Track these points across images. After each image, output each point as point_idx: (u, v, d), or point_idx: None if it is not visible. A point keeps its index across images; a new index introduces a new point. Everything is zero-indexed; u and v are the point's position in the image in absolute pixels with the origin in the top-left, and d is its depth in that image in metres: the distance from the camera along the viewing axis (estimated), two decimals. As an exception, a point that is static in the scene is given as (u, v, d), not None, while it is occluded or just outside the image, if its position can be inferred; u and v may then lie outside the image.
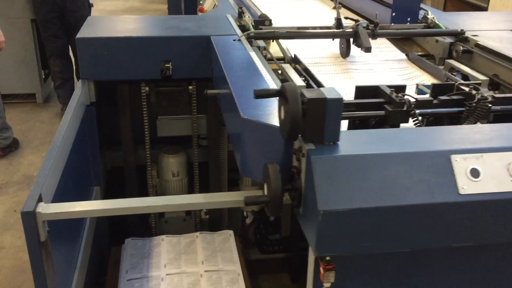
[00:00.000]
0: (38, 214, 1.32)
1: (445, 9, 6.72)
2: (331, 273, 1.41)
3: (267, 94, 1.31)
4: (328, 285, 1.43)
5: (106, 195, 2.60)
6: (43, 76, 5.36)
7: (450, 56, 2.28)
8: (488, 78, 1.99)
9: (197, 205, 1.41)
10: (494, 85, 2.04)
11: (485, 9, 5.87)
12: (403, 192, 1.22)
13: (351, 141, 1.30)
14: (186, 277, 2.27)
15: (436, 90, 1.68)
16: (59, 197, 1.56)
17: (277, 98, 1.31)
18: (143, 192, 2.70)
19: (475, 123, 1.55)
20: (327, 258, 1.41)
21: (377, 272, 1.50)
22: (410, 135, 1.36)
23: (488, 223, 1.26)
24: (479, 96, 1.57)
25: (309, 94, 1.24)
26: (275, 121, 1.39)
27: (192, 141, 2.65)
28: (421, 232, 1.25)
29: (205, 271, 2.31)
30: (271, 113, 1.46)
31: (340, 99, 1.24)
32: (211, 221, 2.85)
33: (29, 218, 1.31)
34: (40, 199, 1.36)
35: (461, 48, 2.23)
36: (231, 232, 2.60)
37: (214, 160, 2.69)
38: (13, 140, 4.35)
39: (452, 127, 1.46)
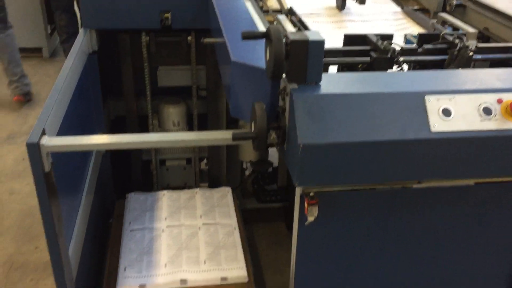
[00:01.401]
0: (42, 146, 1.43)
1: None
2: (314, 207, 1.52)
3: (253, 35, 1.38)
4: (311, 218, 1.54)
5: (109, 143, 2.71)
6: (49, 31, 5.42)
7: (444, 10, 2.32)
8: (477, 31, 2.04)
9: (189, 141, 1.51)
10: (484, 38, 2.09)
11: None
12: (378, 129, 1.31)
13: (332, 82, 1.38)
14: (185, 230, 2.42)
15: (422, 39, 1.75)
16: (62, 134, 1.67)
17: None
18: (144, 140, 2.81)
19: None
20: (311, 194, 1.51)
21: (358, 209, 1.61)
22: (388, 78, 1.44)
23: (458, 160, 1.35)
24: (461, 45, 1.64)
25: (292, 36, 1.32)
26: (262, 63, 1.47)
27: (191, 92, 2.74)
28: (395, 167, 1.35)
29: (203, 224, 2.46)
30: (259, 57, 1.53)
31: (322, 41, 1.31)
32: (210, 172, 2.97)
33: (33, 149, 1.42)
34: (44, 133, 1.47)
35: (455, 2, 2.27)
36: (229, 189, 2.74)
37: (213, 111, 2.78)
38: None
39: (428, 71, 1.54)
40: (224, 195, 2.71)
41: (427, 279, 1.77)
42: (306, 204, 1.51)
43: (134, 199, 2.62)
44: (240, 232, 2.44)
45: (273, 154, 3.30)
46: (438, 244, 1.70)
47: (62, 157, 1.67)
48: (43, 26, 5.25)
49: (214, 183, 2.98)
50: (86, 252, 2.07)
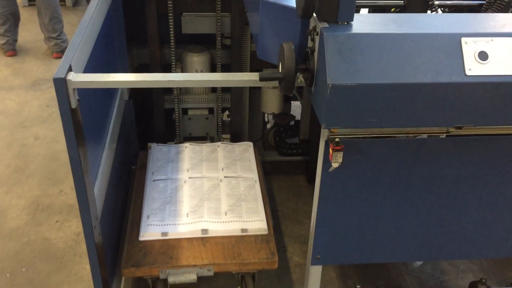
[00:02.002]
0: (68, 81, 1.43)
1: None
2: (339, 153, 1.50)
3: (285, -28, 1.34)
4: (336, 165, 1.53)
5: (131, 91, 2.71)
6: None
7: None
8: (518, -22, 1.94)
9: (215, 82, 1.49)
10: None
11: None
12: (411, 71, 1.27)
13: (364, 22, 1.34)
14: (207, 181, 2.43)
15: (459, -17, 1.67)
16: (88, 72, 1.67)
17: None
18: (167, 89, 2.80)
19: (494, 15, 1.55)
20: (337, 139, 1.50)
21: (382, 157, 1.59)
22: (422, 19, 1.39)
23: (492, 105, 1.31)
24: (501, -11, 1.56)
25: (326, -28, 1.27)
26: (292, 2, 1.43)
27: (215, 40, 2.70)
28: (425, 111, 1.32)
29: (224, 176, 2.46)
30: (289, -4, 1.49)
31: (356, -22, 1.26)
32: (232, 123, 2.96)
33: (60, 85, 1.42)
34: (70, 69, 1.47)
35: None
36: (250, 143, 2.74)
37: (236, 61, 2.74)
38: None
39: (466, 14, 1.48)
40: (246, 149, 2.71)
41: (447, 229, 1.76)
42: (331, 150, 1.50)
43: (157, 150, 2.64)
44: (261, 186, 2.44)
45: (295, 109, 3.28)
46: (463, 195, 1.68)
47: (88, 96, 1.68)
48: (66, -25, 5.20)
49: (235, 135, 2.98)
50: (110, 193, 2.10)
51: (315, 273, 1.88)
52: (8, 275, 2.40)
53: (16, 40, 4.52)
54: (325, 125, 1.34)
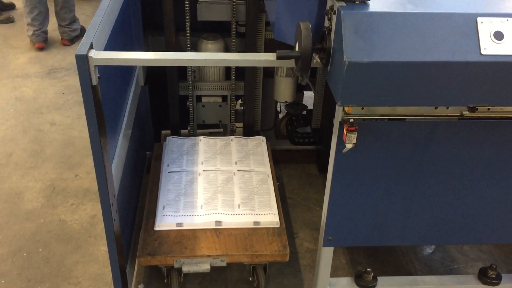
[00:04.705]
0: (90, 58, 1.47)
1: None
2: (353, 134, 1.53)
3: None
4: (350, 145, 1.55)
5: (147, 77, 2.75)
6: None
7: None
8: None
9: (232, 61, 1.52)
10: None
11: None
12: (426, 50, 1.29)
13: (381, 2, 1.36)
14: (220, 174, 2.48)
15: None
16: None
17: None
18: (182, 75, 2.84)
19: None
20: (351, 120, 1.52)
21: (396, 139, 1.61)
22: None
23: (506, 85, 1.33)
24: (517, -27, 1.57)
25: (344, -49, 1.29)
26: (310, -18, 1.45)
27: (230, 28, 2.72)
28: (440, 89, 1.34)
29: (238, 170, 2.52)
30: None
31: (374, -43, 1.28)
32: (245, 112, 2.99)
33: (82, 61, 1.46)
34: (91, 47, 1.51)
35: None
36: (263, 138, 2.80)
37: (251, 48, 2.76)
38: (81, 29, 4.60)
39: (483, -5, 1.49)
40: (259, 144, 2.76)
41: (459, 213, 1.78)
42: (345, 131, 1.52)
43: (172, 142, 2.70)
44: (273, 180, 2.49)
45: (307, 100, 3.30)
46: (476, 179, 1.70)
47: (107, 77, 1.72)
48: (81, -35, 5.26)
49: (248, 123, 3.01)
50: (126, 175, 2.14)
51: (327, 255, 1.91)
52: (25, 254, 2.45)
53: (45, 32, 4.45)
54: (340, 102, 1.36)
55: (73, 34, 4.54)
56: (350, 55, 1.28)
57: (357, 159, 1.65)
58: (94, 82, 1.51)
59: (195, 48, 2.82)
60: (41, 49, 4.41)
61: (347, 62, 1.27)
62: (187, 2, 2.59)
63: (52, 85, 3.90)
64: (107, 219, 1.73)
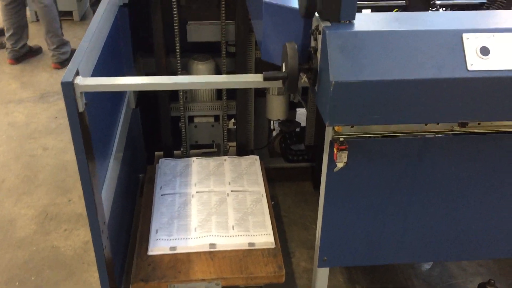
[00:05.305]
0: (76, 85, 1.46)
1: None
2: (344, 153, 1.52)
3: (287, -28, 1.36)
4: (341, 165, 1.54)
5: (138, 99, 2.74)
6: (80, -6, 5.47)
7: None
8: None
9: (220, 83, 1.51)
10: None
11: None
12: (413, 67, 1.28)
13: (366, 21, 1.36)
14: (214, 195, 2.46)
15: (460, -17, 1.69)
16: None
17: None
18: (174, 97, 2.83)
19: (495, 14, 1.56)
20: (341, 139, 1.51)
21: (388, 156, 1.60)
22: (424, 17, 1.40)
23: (495, 100, 1.32)
24: (501, -13, 1.58)
25: (327, -29, 1.29)
26: (294, 3, 1.45)
27: (220, 48, 2.73)
28: (428, 107, 1.32)
29: (231, 191, 2.50)
30: (292, -2, 1.51)
31: (357, -23, 1.28)
32: (238, 130, 2.98)
33: (68, 89, 1.45)
34: (77, 73, 1.49)
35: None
36: (257, 157, 2.78)
37: (241, 68, 2.76)
38: (71, 52, 4.63)
39: (467, 11, 1.49)
40: (252, 163, 2.75)
41: (454, 229, 1.76)
42: (335, 150, 1.51)
43: (165, 164, 2.68)
44: (268, 200, 2.47)
45: (300, 117, 3.30)
46: (470, 194, 1.68)
47: (95, 102, 1.70)
48: (73, -11, 5.30)
49: (241, 142, 2.99)
50: (117, 199, 2.12)
51: (322, 275, 1.88)
52: (17, 283, 2.41)
53: (17, 51, 4.61)
54: (329, 122, 1.35)
55: (63, 57, 4.56)
56: (337, 75, 1.27)
57: (349, 178, 1.64)
58: (81, 108, 1.50)
59: (186, 69, 2.82)
60: (12, 64, 4.63)
61: (333, 82, 1.26)
62: (176, 24, 2.60)
63: (45, 109, 3.89)
64: (98, 246, 1.70)
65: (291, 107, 3.06)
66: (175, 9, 2.55)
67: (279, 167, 3.17)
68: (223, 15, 2.61)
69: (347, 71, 1.27)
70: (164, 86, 1.48)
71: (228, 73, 2.82)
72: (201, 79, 1.51)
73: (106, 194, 1.87)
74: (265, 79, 1.43)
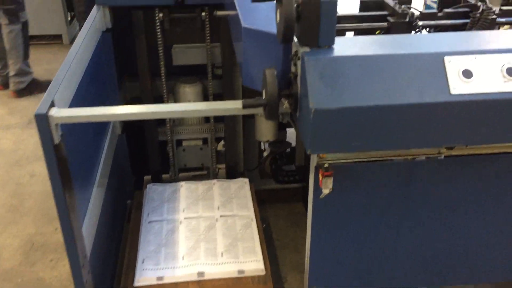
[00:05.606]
0: (50, 117, 1.41)
1: None
2: (329, 179, 1.47)
3: (263, -3, 1.33)
4: (326, 191, 1.49)
5: (125, 124, 2.70)
6: (69, 18, 5.47)
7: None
8: (503, -4, 1.94)
9: (199, 111, 1.48)
10: (509, 4, 1.99)
11: None
12: (394, 93, 1.24)
13: (346, 45, 1.33)
14: (202, 221, 2.41)
15: (442, 3, 1.67)
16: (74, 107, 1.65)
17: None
18: (161, 121, 2.79)
19: (478, 34, 1.53)
20: (326, 165, 1.47)
21: (375, 181, 1.55)
22: (404, 40, 1.38)
23: (480, 124, 1.28)
24: (483, 7, 1.55)
25: (304, -4, 1.26)
26: (273, 28, 1.42)
27: (207, 70, 2.70)
28: (411, 132, 1.29)
29: (220, 216, 2.45)
30: (271, 23, 1.48)
31: (335, 1, 1.25)
32: (227, 153, 2.93)
33: (42, 121, 1.40)
34: (52, 104, 1.45)
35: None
36: (246, 180, 2.74)
37: (228, 90, 2.73)
38: (31, 82, 4.49)
39: (448, 33, 1.46)
40: (242, 186, 2.70)
41: (446, 253, 1.71)
42: (320, 176, 1.47)
43: (153, 190, 2.63)
44: (258, 224, 2.42)
45: (291, 136, 3.26)
46: (460, 217, 1.64)
47: (75, 131, 1.66)
48: (63, 13, 5.30)
49: (231, 164, 2.95)
50: (101, 230, 2.06)
51: (313, 303, 1.82)
52: (0, 317, 2.34)
53: (5, 77, 4.48)
54: (310, 150, 1.31)
55: (19, 86, 4.41)
56: (317, 102, 1.23)
57: (337, 203, 1.59)
58: (56, 140, 1.45)
59: (173, 92, 2.79)
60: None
61: (313, 110, 1.22)
62: (161, 48, 2.57)
63: (32, 135, 3.83)
64: (78, 283, 1.64)
65: (281, 127, 3.02)
66: (159, 32, 2.52)
67: (270, 188, 3.12)
68: (208, 37, 2.58)
69: (328, 98, 1.23)
70: (141, 115, 1.44)
71: (215, 95, 2.79)
72: (179, 107, 1.48)
73: (88, 225, 1.82)
74: (244, 107, 1.39)
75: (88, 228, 1.79)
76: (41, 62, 4.87)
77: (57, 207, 1.52)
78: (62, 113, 1.44)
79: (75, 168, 1.64)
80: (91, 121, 1.52)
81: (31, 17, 5.09)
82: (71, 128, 1.61)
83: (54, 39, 5.40)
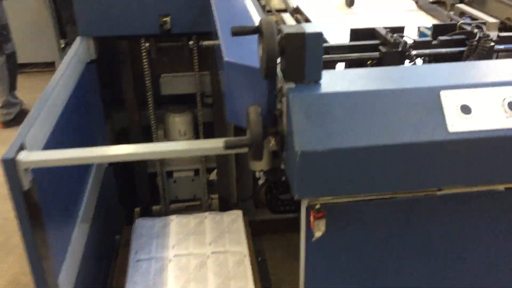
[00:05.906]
0: (18, 161, 1.31)
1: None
2: (321, 221, 1.37)
3: (244, 31, 1.25)
4: (319, 234, 1.39)
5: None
6: (62, 45, 5.42)
7: (462, 1, 2.15)
8: (499, 21, 1.86)
9: (178, 152, 1.38)
10: (506, 29, 1.91)
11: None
12: (387, 131, 1.15)
13: (334, 80, 1.23)
14: (193, 259, 2.31)
15: (437, 30, 1.58)
16: (51, 148, 1.55)
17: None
18: (150, 152, 2.69)
19: (476, 63, 1.44)
20: (317, 206, 1.36)
21: (369, 221, 1.45)
22: (397, 73, 1.28)
23: (481, 163, 1.18)
24: (481, 34, 1.46)
25: (287, 29, 1.17)
26: (257, 63, 1.33)
27: (196, 99, 2.62)
28: (406, 174, 1.19)
29: (212, 252, 2.35)
30: (255, 57, 1.39)
31: (320, 34, 1.16)
32: (220, 183, 2.83)
33: (9, 166, 1.30)
34: (22, 147, 1.35)
35: (473, -9, 2.09)
36: (239, 212, 2.64)
37: (219, 119, 2.65)
38: (19, 112, 4.48)
39: (444, 64, 1.37)
40: (235, 219, 2.61)
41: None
42: (312, 218, 1.36)
43: (141, 225, 2.53)
44: (251, 260, 2.31)
45: (287, 162, 3.16)
46: (460, 254, 1.53)
47: (50, 173, 1.56)
48: (55, 40, 5.26)
49: (224, 194, 2.84)
50: (84, 270, 1.94)
51: None
52: None
53: None
54: (297, 195, 1.20)
55: (6, 118, 4.45)
56: (302, 143, 1.13)
57: (331, 245, 1.48)
58: (26, 186, 1.35)
59: (162, 122, 2.70)
60: None
61: (299, 152, 1.13)
62: (148, 78, 2.49)
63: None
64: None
65: (276, 154, 2.92)
66: (146, 62, 2.44)
67: (265, 219, 3.01)
68: (197, 66, 2.50)
69: (314, 139, 1.14)
70: (118, 157, 1.35)
71: (205, 124, 2.70)
72: (158, 147, 1.38)
73: (66, 275, 1.70)
74: (227, 147, 1.29)
75: (67, 275, 1.68)
76: (33, 90, 4.78)
77: (28, 257, 1.41)
78: (33, 156, 1.35)
79: (51, 211, 1.53)
80: (64, 164, 1.42)
81: (23, 45, 5.06)
82: (46, 170, 1.51)
83: (47, 67, 5.34)
